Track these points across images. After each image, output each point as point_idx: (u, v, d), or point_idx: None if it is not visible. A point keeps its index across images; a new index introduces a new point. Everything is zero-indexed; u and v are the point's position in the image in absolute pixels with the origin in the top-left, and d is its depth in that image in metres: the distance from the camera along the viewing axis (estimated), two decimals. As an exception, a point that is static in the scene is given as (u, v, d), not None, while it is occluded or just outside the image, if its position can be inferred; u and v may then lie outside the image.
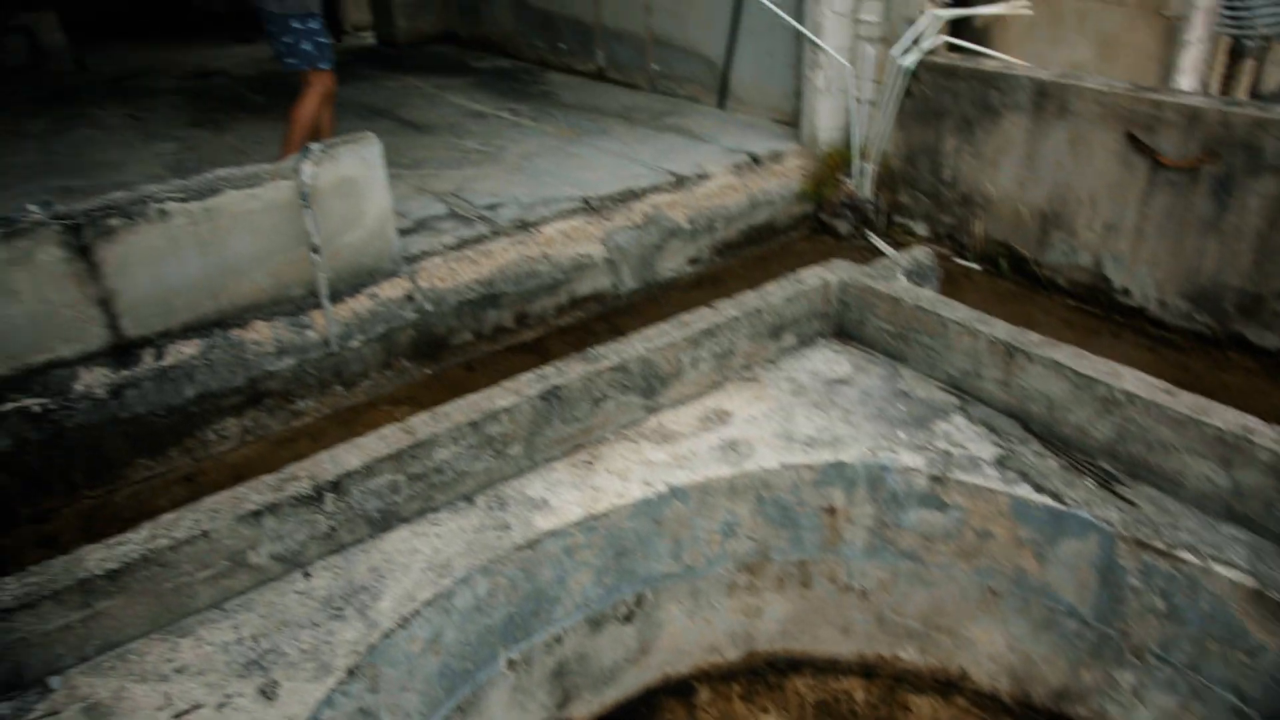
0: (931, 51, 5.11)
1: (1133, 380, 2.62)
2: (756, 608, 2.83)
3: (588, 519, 2.45)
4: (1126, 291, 4.56)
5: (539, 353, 4.20)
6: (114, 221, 3.40)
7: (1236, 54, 8.49)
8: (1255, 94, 12.30)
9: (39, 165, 5.44)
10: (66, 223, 3.34)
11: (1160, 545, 2.40)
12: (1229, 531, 2.45)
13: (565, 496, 2.52)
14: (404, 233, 4.23)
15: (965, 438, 2.76)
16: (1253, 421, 2.46)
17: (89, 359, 3.48)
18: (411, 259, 4.08)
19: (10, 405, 3.36)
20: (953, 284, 4.88)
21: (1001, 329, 2.86)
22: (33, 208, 3.35)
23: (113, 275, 3.46)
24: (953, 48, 5.27)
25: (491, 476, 2.55)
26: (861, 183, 5.29)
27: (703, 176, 4.93)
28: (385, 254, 3.95)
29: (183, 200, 3.50)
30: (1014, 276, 4.92)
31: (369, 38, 9.58)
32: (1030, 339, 2.80)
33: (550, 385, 2.58)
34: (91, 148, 5.80)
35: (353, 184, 3.81)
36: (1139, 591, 2.45)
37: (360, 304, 3.85)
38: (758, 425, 2.78)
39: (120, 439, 3.55)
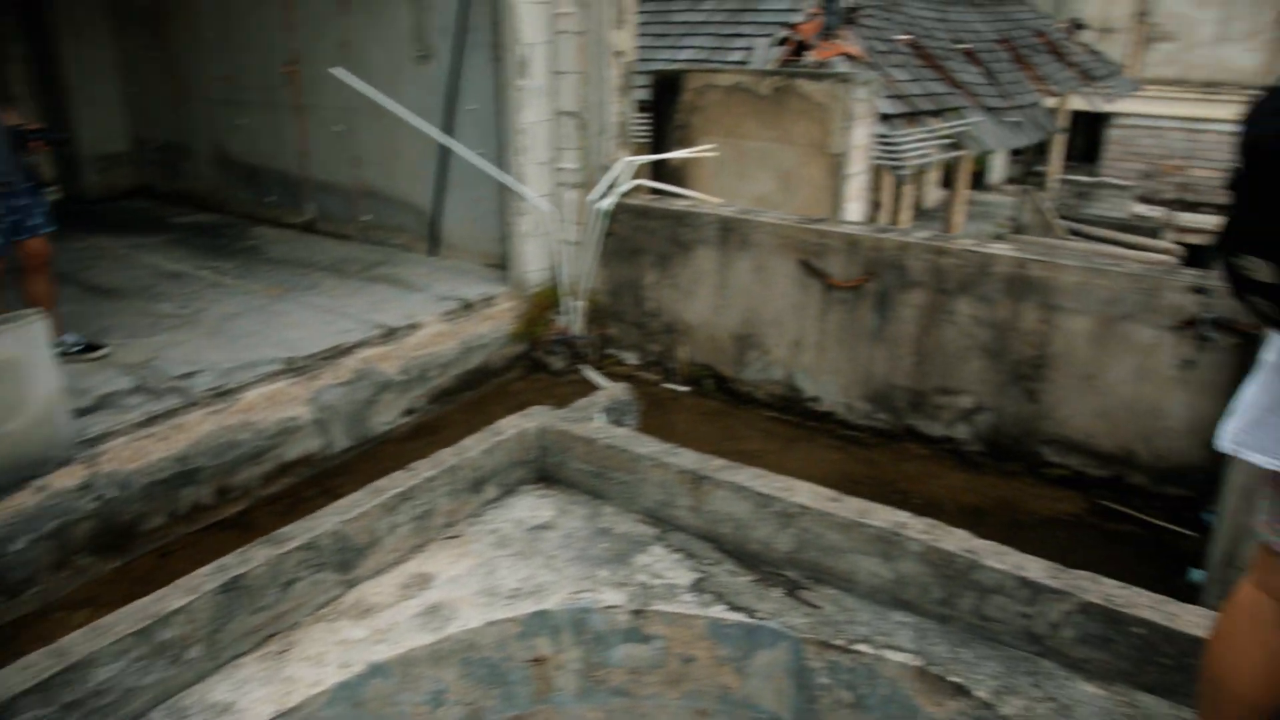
0: (627, 194, 5.48)
1: (805, 493, 2.84)
2: (478, 773, 2.74)
3: (279, 717, 2.28)
4: (816, 399, 4.99)
5: (245, 528, 3.96)
6: None
7: (899, 180, 9.76)
8: (919, 210, 14.14)
9: None
10: None
11: (841, 642, 2.57)
12: (898, 618, 2.67)
13: (254, 695, 2.35)
14: (82, 413, 3.90)
15: (664, 567, 2.86)
16: (904, 517, 2.73)
17: None
18: (90, 441, 3.75)
19: None
20: (662, 408, 5.14)
21: (689, 459, 3.02)
22: None
23: None
24: (649, 189, 5.68)
25: (168, 688, 2.33)
26: (572, 320, 5.50)
27: (414, 326, 4.94)
28: (55, 441, 3.61)
29: None
30: (719, 395, 5.25)
31: (54, 194, 8.94)
32: (714, 465, 2.98)
33: (231, 576, 2.42)
34: None
35: (12, 367, 3.48)
36: (828, 688, 2.60)
37: (25, 500, 3.48)
38: (460, 585, 2.74)
39: None
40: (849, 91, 6.75)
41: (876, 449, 4.80)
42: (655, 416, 5.11)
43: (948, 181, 13.30)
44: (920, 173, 14.90)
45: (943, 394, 4.68)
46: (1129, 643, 2.44)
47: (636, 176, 5.70)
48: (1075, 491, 4.56)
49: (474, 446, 3.04)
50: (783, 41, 10.03)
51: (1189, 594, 3.78)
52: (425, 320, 5.00)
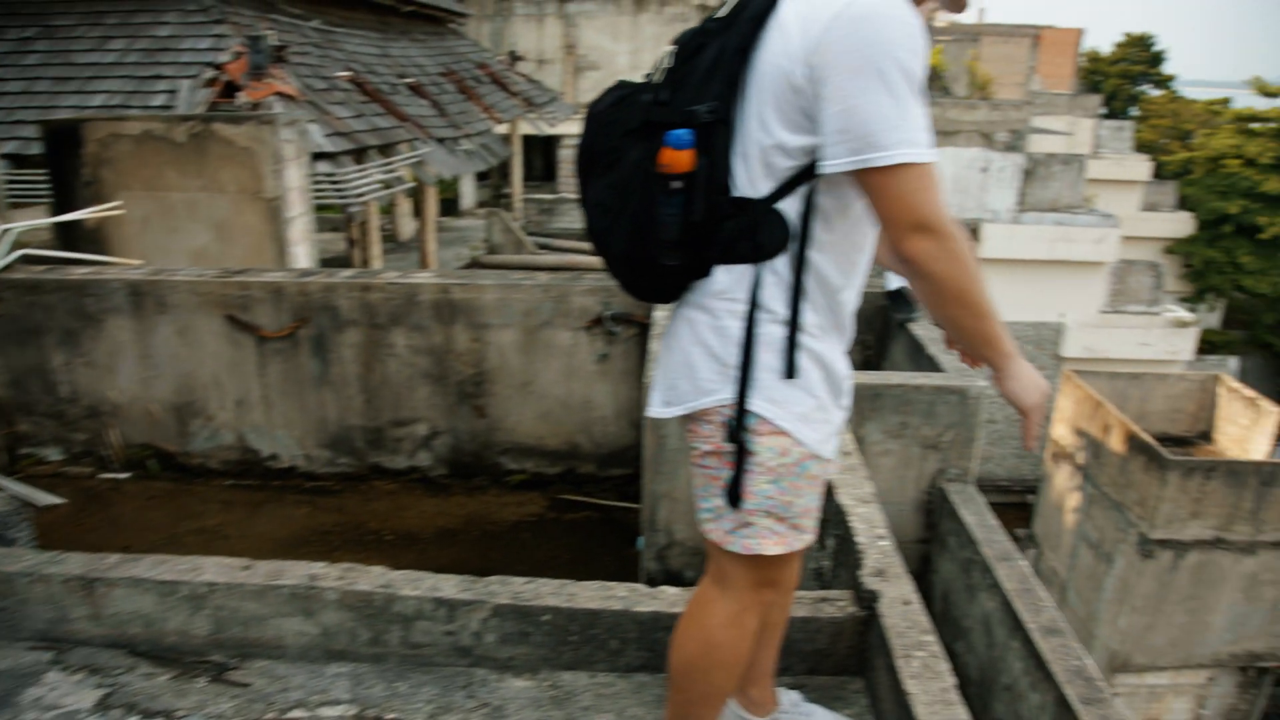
0: (8, 268, 4.76)
1: (212, 569, 2.68)
2: None
3: None
4: (275, 456, 4.79)
5: None
6: None
7: (350, 218, 9.76)
8: (397, 242, 14.36)
9: None
10: None
11: (273, 715, 2.47)
12: (333, 671, 2.64)
13: None
14: None
15: (61, 694, 2.52)
16: (317, 568, 2.69)
17: None
18: None
19: None
20: (102, 501, 4.59)
21: (76, 563, 2.70)
22: None
23: None
24: (38, 259, 4.99)
25: None
26: (-36, 422, 4.67)
27: None
28: None
29: None
30: (167, 474, 4.80)
31: None
32: (106, 563, 2.69)
33: None
34: None
35: None
36: (274, 771, 2.48)
37: None
38: None
39: None
40: (274, 133, 6.58)
41: (344, 494, 4.74)
42: (95, 513, 4.53)
43: (420, 211, 13.64)
44: (391, 206, 15.13)
45: (398, 426, 4.76)
46: (542, 631, 2.66)
47: (32, 245, 4.99)
48: (537, 492, 4.92)
49: None
50: (211, 83, 9.49)
51: (636, 560, 4.27)
52: None
